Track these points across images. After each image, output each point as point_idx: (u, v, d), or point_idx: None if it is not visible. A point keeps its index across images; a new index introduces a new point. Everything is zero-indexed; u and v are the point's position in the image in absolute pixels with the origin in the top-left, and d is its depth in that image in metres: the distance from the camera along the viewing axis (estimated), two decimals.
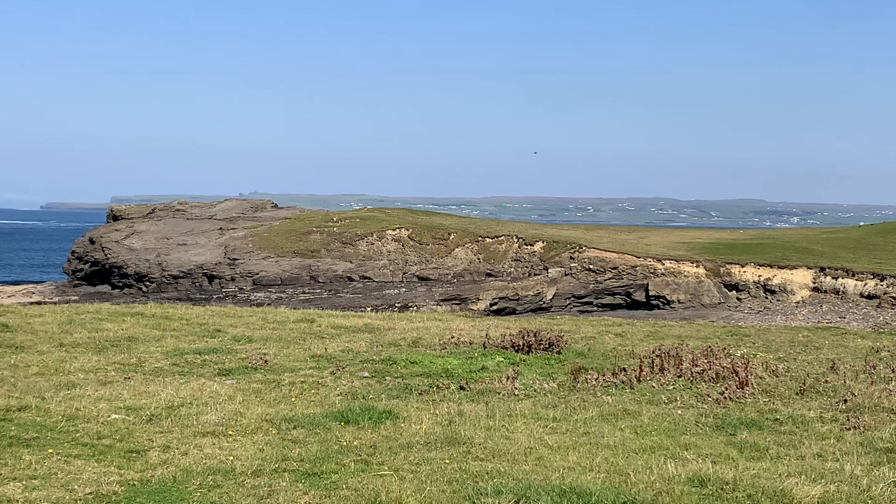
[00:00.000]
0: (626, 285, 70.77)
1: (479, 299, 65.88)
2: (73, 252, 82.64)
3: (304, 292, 68.68)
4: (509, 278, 72.11)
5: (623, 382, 17.12)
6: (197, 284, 72.63)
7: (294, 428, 13.43)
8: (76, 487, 10.40)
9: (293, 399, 15.50)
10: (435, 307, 60.71)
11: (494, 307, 64.62)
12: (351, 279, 72.30)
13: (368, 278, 72.52)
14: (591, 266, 71.93)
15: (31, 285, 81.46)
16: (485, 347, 20.74)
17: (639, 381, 17.25)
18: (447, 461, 11.78)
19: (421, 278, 72.86)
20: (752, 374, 17.27)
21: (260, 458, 11.72)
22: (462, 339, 22.00)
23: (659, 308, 67.57)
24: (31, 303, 55.07)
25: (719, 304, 67.88)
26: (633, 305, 69.59)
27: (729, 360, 18.36)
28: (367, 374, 17.95)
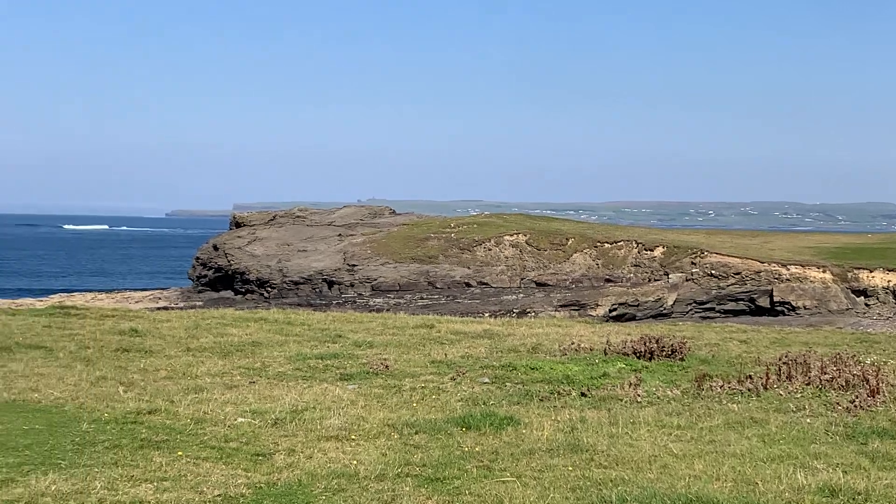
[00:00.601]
0: (750, 291, 69.48)
1: (597, 305, 65.42)
2: (198, 258, 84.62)
3: (421, 298, 69.11)
4: (629, 284, 71.45)
5: (749, 390, 16.82)
6: (317, 290, 73.69)
7: (416, 433, 13.53)
8: (205, 489, 10.64)
9: (414, 404, 15.62)
10: (553, 313, 60.50)
11: (613, 313, 64.08)
12: (468, 285, 72.52)
13: (486, 284, 72.63)
14: (713, 271, 70.83)
15: (158, 291, 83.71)
16: (605, 354, 20.58)
17: (765, 388, 16.92)
18: (570, 468, 11.73)
19: (539, 284, 72.69)
20: (883, 382, 16.79)
21: (383, 463, 11.83)
22: (582, 345, 21.87)
23: (784, 314, 66.16)
24: (158, 308, 56.53)
25: (847, 310, 66.16)
26: (757, 312, 68.27)
27: (859, 367, 17.90)
28: (487, 379, 17.98)
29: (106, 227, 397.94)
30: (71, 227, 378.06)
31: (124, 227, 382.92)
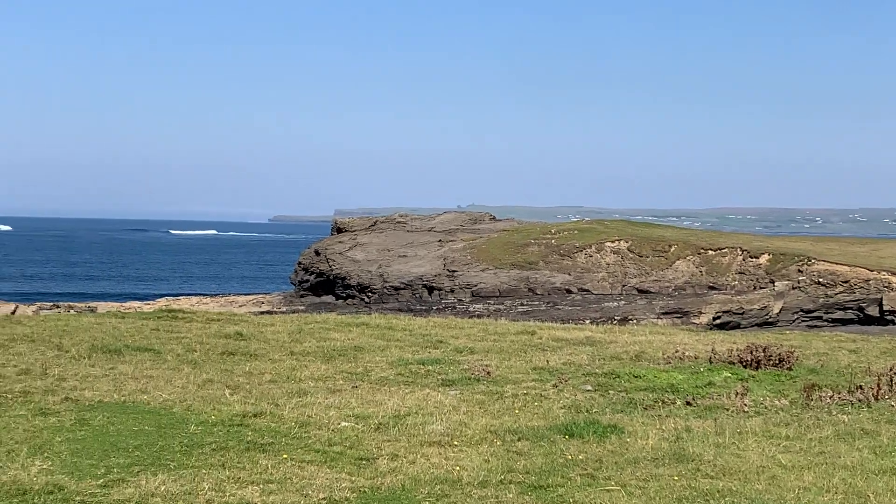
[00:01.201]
0: (859, 300, 67.91)
1: (701, 313, 64.57)
2: (300, 263, 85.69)
3: (521, 304, 68.99)
4: (733, 292, 70.37)
5: (860, 401, 16.44)
6: (417, 295, 74.07)
7: (518, 440, 13.52)
8: (310, 493, 10.77)
9: (516, 411, 15.60)
10: (655, 320, 59.85)
11: (717, 321, 63.16)
12: (569, 291, 72.18)
13: (587, 290, 72.21)
14: (820, 279, 69.40)
15: (261, 295, 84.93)
16: (711, 362, 20.30)
17: (876, 399, 16.53)
18: (676, 478, 11.60)
19: (640, 291, 72.01)
20: None
21: (486, 470, 11.84)
22: (686, 353, 21.60)
23: (894, 324, 64.52)
24: (261, 312, 57.37)
25: None
26: (866, 321, 66.67)
27: None
28: (589, 387, 17.88)
29: (214, 232, 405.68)
30: (177, 232, 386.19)
31: (232, 233, 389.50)
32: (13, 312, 61.60)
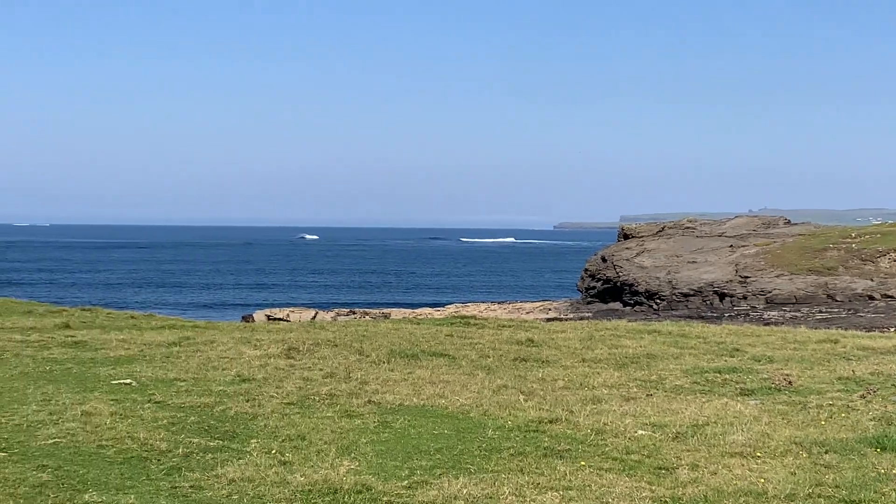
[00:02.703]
0: None
1: None
2: (586, 270, 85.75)
3: (819, 311, 66.26)
4: None
5: None
6: (707, 302, 72.56)
7: (825, 452, 12.99)
8: (610, 500, 10.74)
9: (822, 422, 15.00)
10: None
11: None
12: (872, 298, 68.73)
13: (891, 297, 68.54)
14: None
15: (547, 302, 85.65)
16: None
17: None
18: None
19: None
20: None
21: (792, 482, 11.45)
22: None
23: None
24: (549, 319, 57.83)
25: None
26: None
27: None
28: None
29: (512, 239, 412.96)
30: (467, 240, 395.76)
31: (530, 241, 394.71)
32: (314, 318, 65.03)
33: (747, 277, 72.83)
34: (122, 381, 16.59)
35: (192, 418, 14.03)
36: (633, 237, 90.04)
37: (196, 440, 12.82)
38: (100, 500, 10.32)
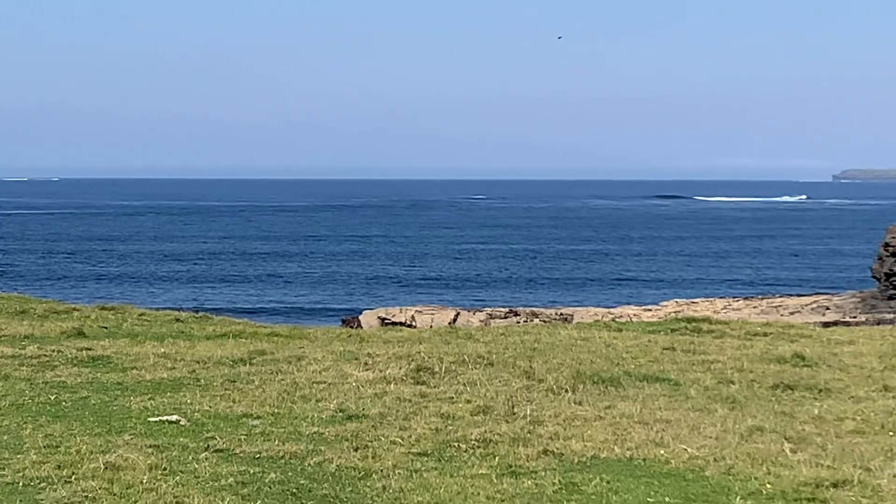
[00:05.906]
0: None
1: None
2: (887, 246, 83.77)
3: None
4: None
5: None
6: None
7: None
8: None
9: None
10: None
11: None
12: None
13: None
14: None
15: (823, 296, 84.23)
16: None
17: None
18: None
19: None
20: None
21: None
22: None
23: None
24: (827, 323, 56.90)
25: None
26: None
27: None
28: None
29: (804, 197, 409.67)
30: (703, 198, 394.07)
31: (833, 200, 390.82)
32: (454, 321, 65.11)
33: None
34: (164, 419, 16.75)
35: (273, 475, 14.05)
36: None
37: None
38: None
